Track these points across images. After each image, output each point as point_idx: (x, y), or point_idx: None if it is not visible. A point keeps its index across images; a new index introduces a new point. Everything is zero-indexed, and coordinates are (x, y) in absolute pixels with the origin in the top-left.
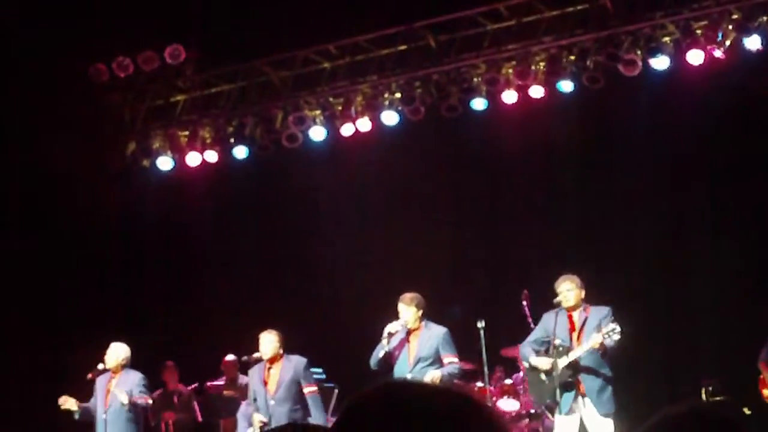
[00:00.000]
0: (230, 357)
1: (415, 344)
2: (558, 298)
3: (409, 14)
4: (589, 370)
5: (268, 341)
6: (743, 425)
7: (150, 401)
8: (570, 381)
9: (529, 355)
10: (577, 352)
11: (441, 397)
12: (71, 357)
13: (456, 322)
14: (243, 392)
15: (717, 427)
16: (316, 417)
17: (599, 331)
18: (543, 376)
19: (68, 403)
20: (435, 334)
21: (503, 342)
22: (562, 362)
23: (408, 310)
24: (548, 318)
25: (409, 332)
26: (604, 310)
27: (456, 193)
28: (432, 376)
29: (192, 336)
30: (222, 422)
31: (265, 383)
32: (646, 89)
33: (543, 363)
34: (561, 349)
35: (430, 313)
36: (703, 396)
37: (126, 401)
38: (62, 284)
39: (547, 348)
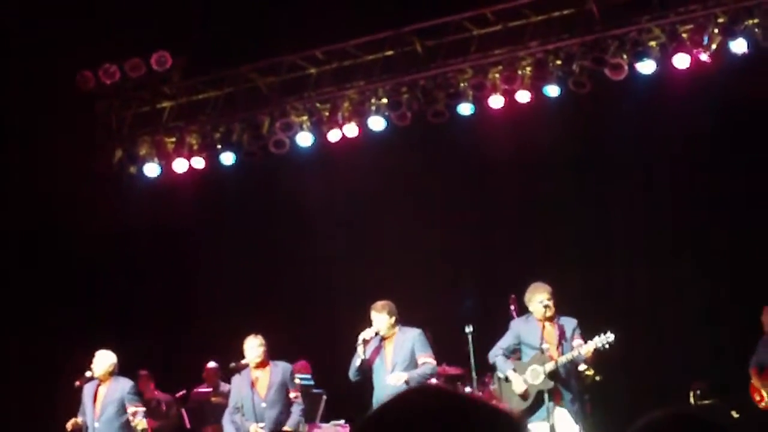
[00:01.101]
0: (212, 364)
1: (391, 349)
2: (546, 305)
3: (395, 20)
4: (566, 380)
5: (256, 346)
6: (728, 430)
7: (144, 409)
8: (549, 389)
9: (506, 369)
10: (565, 358)
11: (482, 409)
12: (58, 364)
13: (474, 311)
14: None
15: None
16: (292, 422)
17: (572, 340)
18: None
19: (74, 425)
20: (409, 336)
21: (491, 347)
22: (548, 368)
23: (380, 317)
24: (522, 325)
25: (383, 339)
26: (573, 322)
27: (443, 198)
28: (397, 377)
29: (179, 342)
30: (209, 429)
31: (256, 389)
32: (632, 93)
33: (518, 386)
34: (545, 355)
35: (418, 318)
36: (692, 399)
37: (145, 425)
38: (48, 291)
39: (518, 356)
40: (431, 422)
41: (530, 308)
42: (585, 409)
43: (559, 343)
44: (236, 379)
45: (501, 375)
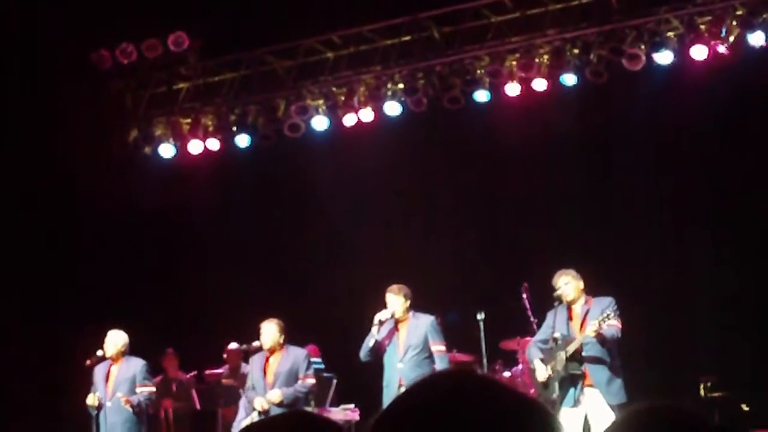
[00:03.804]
0: (233, 345)
1: (404, 333)
2: (558, 293)
3: (413, 5)
4: (594, 360)
5: (267, 331)
6: (705, 423)
7: (153, 389)
8: (575, 373)
9: (534, 357)
10: (576, 343)
11: (507, 394)
12: (73, 345)
13: (455, 324)
14: (243, 381)
15: (678, 425)
16: (287, 392)
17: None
18: (549, 373)
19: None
20: (423, 322)
21: (503, 334)
22: (564, 355)
23: (396, 299)
24: (549, 315)
25: (397, 322)
26: (606, 301)
27: (457, 185)
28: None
29: (192, 324)
30: (221, 411)
31: (265, 373)
32: (649, 84)
33: (540, 374)
34: (560, 342)
35: (431, 304)
36: (702, 392)
37: (128, 406)
38: (63, 272)
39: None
40: (458, 408)
41: None
42: (626, 388)
43: (581, 327)
44: (253, 359)
45: (531, 365)
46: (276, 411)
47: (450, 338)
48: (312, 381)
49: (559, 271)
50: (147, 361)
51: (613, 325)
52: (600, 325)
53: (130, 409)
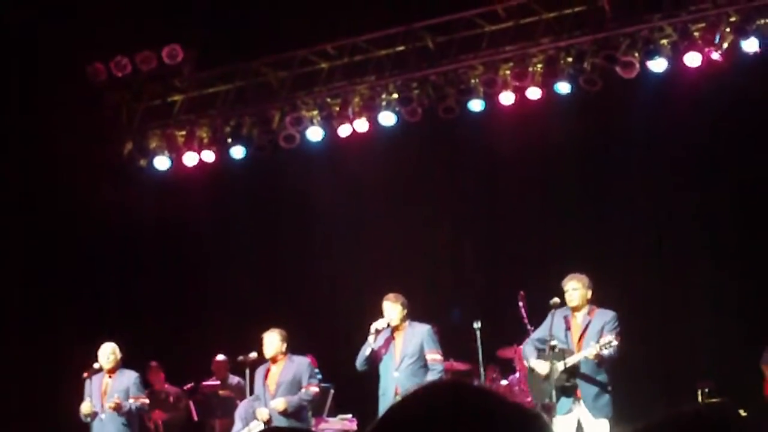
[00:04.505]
0: (220, 357)
1: (401, 342)
2: (554, 300)
3: (407, 15)
4: (586, 377)
5: (269, 341)
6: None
7: (147, 401)
8: (568, 385)
9: (530, 355)
10: (574, 359)
11: (504, 404)
12: (67, 357)
13: (456, 323)
14: (237, 392)
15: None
16: (291, 400)
17: (601, 336)
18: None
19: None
20: (419, 331)
21: (499, 343)
22: (560, 366)
23: (393, 308)
24: (548, 317)
25: (393, 331)
26: (608, 315)
27: (453, 194)
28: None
29: (187, 336)
30: (217, 422)
31: (267, 383)
32: (643, 91)
33: (541, 368)
34: (557, 351)
35: (427, 313)
36: (699, 398)
37: (116, 405)
38: (58, 283)
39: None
40: (454, 418)
41: None
42: (612, 404)
43: (581, 337)
44: (257, 371)
45: (526, 363)
46: (279, 419)
47: (447, 347)
48: (316, 389)
49: (571, 275)
50: (141, 373)
51: (612, 345)
52: (600, 349)
53: (122, 417)
